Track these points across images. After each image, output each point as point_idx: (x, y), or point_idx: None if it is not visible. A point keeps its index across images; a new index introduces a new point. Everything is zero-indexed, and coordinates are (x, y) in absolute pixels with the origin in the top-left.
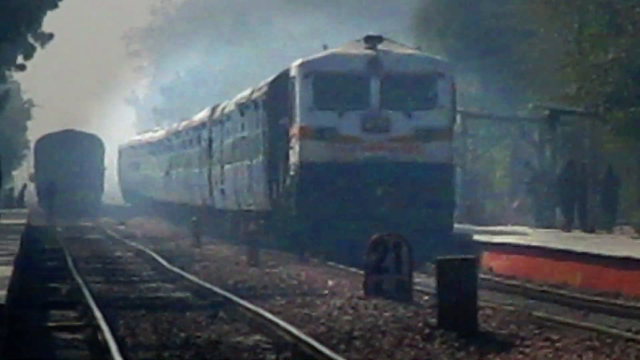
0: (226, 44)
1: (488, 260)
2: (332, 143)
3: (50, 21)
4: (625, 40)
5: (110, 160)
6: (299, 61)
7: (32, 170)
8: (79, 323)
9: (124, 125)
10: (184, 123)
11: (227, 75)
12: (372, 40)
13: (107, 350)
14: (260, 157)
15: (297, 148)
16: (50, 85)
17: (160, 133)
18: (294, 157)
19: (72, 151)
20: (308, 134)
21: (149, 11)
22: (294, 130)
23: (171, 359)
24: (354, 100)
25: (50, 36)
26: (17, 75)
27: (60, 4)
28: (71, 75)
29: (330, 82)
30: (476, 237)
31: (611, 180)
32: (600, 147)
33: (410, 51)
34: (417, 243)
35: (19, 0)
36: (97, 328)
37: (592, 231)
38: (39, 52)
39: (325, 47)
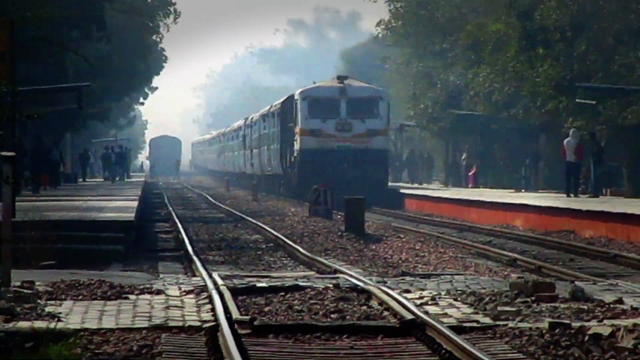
0: (241, 94)
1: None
2: (319, 137)
3: (156, 80)
4: (434, 93)
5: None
6: (299, 90)
7: (146, 155)
8: (170, 229)
9: (192, 133)
10: (228, 128)
11: (243, 107)
12: (341, 78)
13: (183, 242)
14: (276, 145)
15: (298, 140)
16: (156, 111)
17: (214, 134)
18: (296, 145)
19: (167, 145)
20: (305, 132)
21: (205, 74)
22: (297, 130)
23: (214, 245)
24: (331, 113)
25: (156, 88)
26: (139, 108)
27: (161, 72)
28: (166, 108)
29: (318, 102)
30: (401, 190)
31: (430, 160)
32: (425, 144)
33: (363, 84)
34: (367, 194)
35: (139, 70)
36: (179, 232)
37: (421, 184)
38: (150, 96)
39: (314, 82)
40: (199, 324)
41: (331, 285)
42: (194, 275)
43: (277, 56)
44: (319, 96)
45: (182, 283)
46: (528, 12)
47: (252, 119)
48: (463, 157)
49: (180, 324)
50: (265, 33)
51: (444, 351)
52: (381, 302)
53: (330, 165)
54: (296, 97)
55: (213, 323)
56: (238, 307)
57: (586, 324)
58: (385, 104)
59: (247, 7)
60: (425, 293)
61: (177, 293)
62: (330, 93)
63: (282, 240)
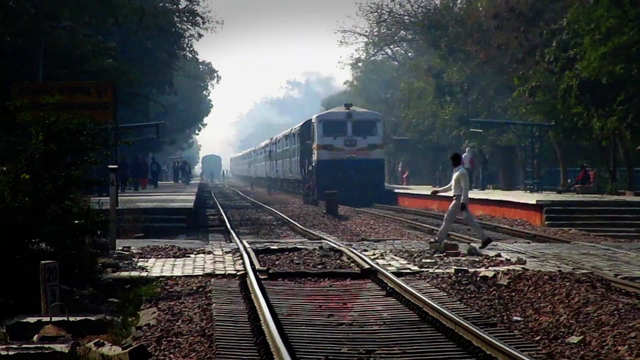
0: (259, 127)
1: (399, 200)
2: (331, 151)
3: (206, 119)
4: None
5: (224, 163)
6: (316, 115)
7: (200, 165)
8: (215, 213)
9: (228, 153)
10: (257, 146)
11: (260, 135)
12: (347, 105)
13: (223, 221)
14: (297, 157)
15: (315, 153)
16: (206, 138)
17: (246, 151)
18: (314, 157)
19: (212, 160)
20: (320, 147)
21: (236, 115)
22: (314, 146)
23: (243, 222)
24: (340, 132)
25: (206, 124)
26: (195, 136)
27: (209, 114)
28: (212, 136)
29: (330, 124)
30: (395, 190)
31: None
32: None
33: (364, 110)
34: (368, 192)
35: (194, 113)
36: (221, 215)
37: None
38: (202, 129)
39: (327, 108)
40: (234, 272)
41: (317, 247)
42: (231, 242)
43: (280, 103)
44: (331, 119)
45: (223, 247)
46: (439, 74)
47: (276, 138)
48: (400, 166)
49: (223, 272)
50: (273, 88)
51: (389, 287)
52: (349, 257)
53: (340, 172)
54: (313, 120)
55: (243, 271)
56: (259, 261)
57: (478, 270)
58: (381, 125)
59: (262, 70)
60: (376, 251)
61: (220, 253)
62: (339, 117)
63: (286, 219)
